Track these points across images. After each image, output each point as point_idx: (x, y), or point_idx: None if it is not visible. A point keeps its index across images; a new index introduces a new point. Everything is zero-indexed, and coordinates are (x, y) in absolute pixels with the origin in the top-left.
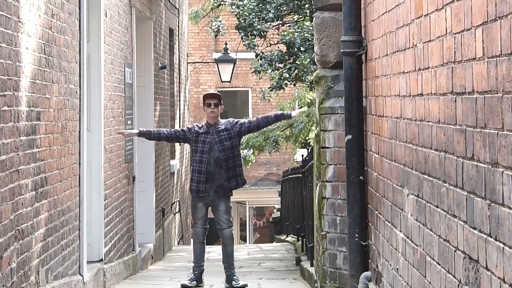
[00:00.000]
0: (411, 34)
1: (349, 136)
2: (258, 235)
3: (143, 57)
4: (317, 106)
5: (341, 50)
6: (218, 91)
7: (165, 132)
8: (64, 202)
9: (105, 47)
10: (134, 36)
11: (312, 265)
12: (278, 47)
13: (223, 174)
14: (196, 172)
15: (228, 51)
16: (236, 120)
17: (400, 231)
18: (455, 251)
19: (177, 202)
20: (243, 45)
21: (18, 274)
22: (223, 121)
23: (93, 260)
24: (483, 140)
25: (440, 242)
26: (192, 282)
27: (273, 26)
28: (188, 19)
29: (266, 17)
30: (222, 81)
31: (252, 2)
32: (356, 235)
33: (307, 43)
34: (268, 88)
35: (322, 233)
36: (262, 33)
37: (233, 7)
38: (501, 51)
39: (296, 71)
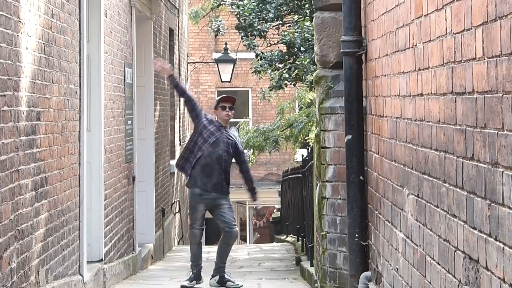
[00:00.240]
0: (411, 34)
1: (349, 136)
2: (258, 235)
3: (143, 57)
4: (317, 106)
5: (341, 50)
6: (218, 91)
7: (191, 98)
8: (64, 202)
9: (105, 47)
10: (134, 36)
11: (312, 265)
12: (278, 47)
13: (221, 174)
14: (188, 151)
15: (228, 51)
16: (238, 140)
17: (400, 231)
18: (455, 251)
19: (177, 202)
20: (243, 45)
21: (18, 274)
22: (229, 129)
23: (93, 260)
24: (483, 140)
25: (440, 242)
26: (192, 282)
27: (273, 26)
28: (188, 19)
29: (266, 17)
30: (222, 81)
31: (252, 2)
32: (356, 235)
33: (307, 43)
34: (268, 88)
35: (322, 233)
36: (262, 33)
37: (233, 7)
38: (501, 51)
39: (296, 71)
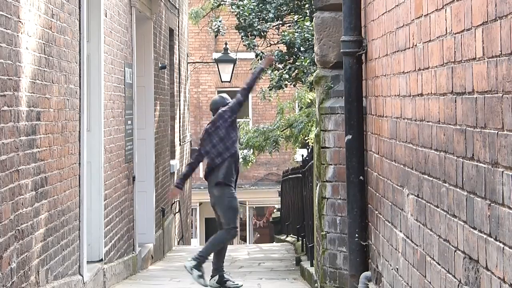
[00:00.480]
0: (411, 34)
1: (349, 136)
2: (258, 235)
3: (143, 57)
4: (317, 106)
5: (341, 50)
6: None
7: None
8: (64, 202)
9: (105, 47)
10: (134, 36)
11: (312, 265)
12: (278, 47)
13: (224, 167)
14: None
15: (228, 51)
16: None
17: (400, 231)
18: (455, 251)
19: (177, 202)
20: (243, 45)
21: (18, 274)
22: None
23: (93, 260)
24: (483, 140)
25: (440, 242)
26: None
27: (273, 26)
28: (188, 19)
29: (266, 17)
30: (222, 81)
31: (252, 2)
32: (356, 235)
33: (307, 43)
34: (268, 88)
35: (322, 233)
36: (262, 33)
37: (233, 7)
38: (501, 51)
39: (296, 71)
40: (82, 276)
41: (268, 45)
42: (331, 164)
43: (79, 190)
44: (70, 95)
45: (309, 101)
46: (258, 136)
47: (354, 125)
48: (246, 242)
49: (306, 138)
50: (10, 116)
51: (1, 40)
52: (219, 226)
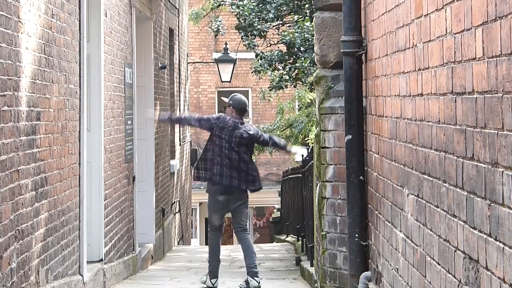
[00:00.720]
0: (411, 34)
1: (349, 136)
2: (258, 235)
3: (143, 57)
4: (317, 106)
5: (341, 50)
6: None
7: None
8: (64, 202)
9: (105, 47)
10: (134, 36)
11: (312, 265)
12: (278, 47)
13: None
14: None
15: (228, 51)
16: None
17: (400, 231)
18: (455, 251)
19: (177, 202)
20: (243, 45)
21: (18, 274)
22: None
23: (93, 260)
24: (483, 140)
25: (440, 242)
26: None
27: (273, 26)
28: (188, 19)
29: (266, 17)
30: (222, 81)
31: (252, 2)
32: (356, 235)
33: (307, 43)
34: (268, 88)
35: (322, 233)
36: (262, 33)
37: (233, 7)
38: (501, 51)
39: (296, 71)
40: (82, 276)
41: (268, 45)
42: (331, 164)
43: (79, 190)
44: (70, 95)
45: (309, 101)
46: None
47: (354, 125)
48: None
49: (306, 138)
50: (10, 116)
51: (1, 40)
52: (219, 228)
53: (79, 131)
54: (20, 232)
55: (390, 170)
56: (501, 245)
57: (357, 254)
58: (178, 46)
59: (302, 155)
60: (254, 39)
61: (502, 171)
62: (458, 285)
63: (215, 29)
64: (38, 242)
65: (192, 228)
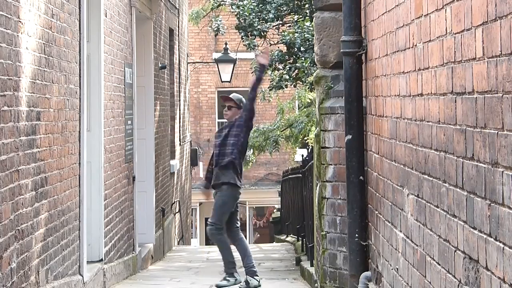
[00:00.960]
0: (411, 34)
1: (349, 136)
2: (258, 235)
3: (143, 57)
4: (317, 106)
5: (341, 50)
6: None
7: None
8: (64, 202)
9: (105, 47)
10: (134, 36)
11: (312, 265)
12: (278, 47)
13: (231, 170)
14: (210, 167)
15: (228, 51)
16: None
17: (400, 231)
18: (455, 251)
19: (177, 202)
20: (243, 45)
21: (18, 274)
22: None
23: (93, 260)
24: (483, 140)
25: (440, 242)
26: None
27: (273, 26)
28: (188, 19)
29: (266, 17)
30: (222, 81)
31: (252, 2)
32: (356, 235)
33: (307, 43)
34: (268, 88)
35: (322, 233)
36: (262, 33)
37: (233, 7)
38: (501, 51)
39: (296, 71)
40: (82, 276)
41: (268, 45)
42: (331, 164)
43: (79, 190)
44: (70, 95)
45: (309, 101)
46: (258, 136)
47: (354, 125)
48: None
49: (306, 138)
50: (10, 116)
51: (1, 40)
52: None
53: (79, 131)
54: (20, 232)
55: (390, 170)
56: (501, 245)
57: (357, 254)
58: (178, 46)
59: (302, 155)
60: (254, 39)
61: (502, 171)
62: (458, 285)
63: (215, 29)
64: (38, 242)
65: (192, 228)
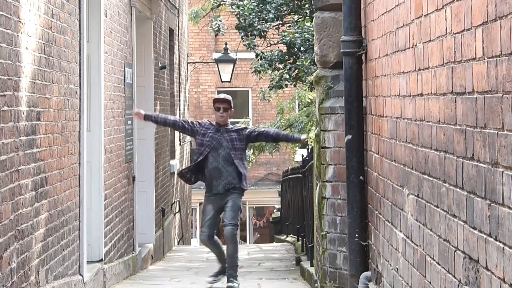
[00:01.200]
0: (411, 34)
1: (349, 136)
2: (258, 235)
3: (143, 57)
4: (317, 106)
5: (341, 50)
6: (218, 91)
7: (171, 120)
8: (64, 202)
9: (105, 47)
10: (134, 36)
11: (312, 265)
12: (278, 47)
13: (232, 172)
14: (192, 161)
15: (228, 51)
16: (245, 126)
17: (400, 231)
18: (455, 251)
19: (177, 202)
20: (243, 45)
21: (18, 274)
22: (231, 125)
23: (93, 260)
24: (483, 140)
25: (440, 242)
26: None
27: (273, 26)
28: (188, 19)
29: (266, 17)
30: (222, 81)
31: (252, 2)
32: (356, 235)
33: (307, 43)
34: (268, 88)
35: (322, 233)
36: (262, 33)
37: (233, 7)
38: (501, 51)
39: (296, 71)
40: (82, 276)
41: (268, 45)
42: (331, 164)
43: (79, 190)
44: (70, 95)
45: (309, 100)
46: None
47: (354, 125)
48: (246, 242)
49: (306, 138)
50: (10, 116)
51: (1, 40)
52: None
53: (79, 131)
54: (20, 232)
55: (390, 170)
56: (501, 245)
57: (357, 254)
58: (178, 46)
59: (302, 155)
60: (254, 39)
61: (502, 171)
62: (458, 285)
63: (215, 29)
64: (38, 242)
65: (192, 228)
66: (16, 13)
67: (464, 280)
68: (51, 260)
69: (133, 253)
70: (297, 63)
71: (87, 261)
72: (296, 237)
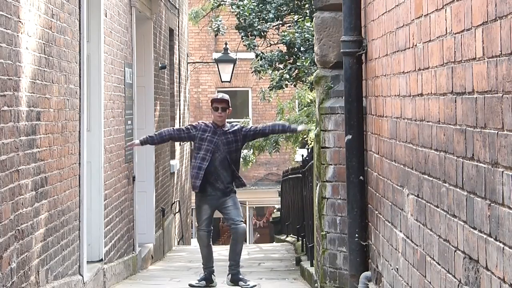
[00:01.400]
0: (411, 34)
1: (349, 136)
2: (258, 235)
3: (143, 57)
4: (317, 106)
5: (341, 50)
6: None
7: (166, 133)
8: (64, 202)
9: (105, 47)
10: (134, 36)
11: (312, 265)
12: (278, 47)
13: (227, 176)
14: (196, 169)
15: (228, 51)
16: (242, 126)
17: (400, 231)
18: (455, 251)
19: (177, 202)
20: (243, 45)
21: (18, 274)
22: (229, 124)
23: (93, 260)
24: (483, 140)
25: (440, 242)
26: (200, 282)
27: (273, 26)
28: (188, 19)
29: (266, 17)
30: (222, 81)
31: (252, 2)
32: (356, 235)
33: (308, 43)
34: (268, 88)
35: (322, 233)
36: (262, 33)
37: (233, 7)
38: (501, 51)
39: (297, 71)
40: (82, 276)
41: (268, 45)
42: (331, 164)
43: (79, 190)
44: (70, 95)
45: (309, 101)
46: None
47: (354, 125)
48: (246, 242)
49: (306, 138)
50: (10, 116)
51: (1, 40)
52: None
53: (79, 131)
54: (20, 232)
55: (390, 170)
56: (501, 245)
57: (357, 254)
58: (178, 46)
59: (302, 155)
60: (254, 39)
61: (502, 171)
62: (458, 285)
63: (215, 29)
64: (38, 242)
65: (192, 228)
66: (16, 13)
67: (464, 280)
68: (51, 260)
69: (133, 253)
70: (297, 63)
71: (87, 261)
72: (296, 237)
